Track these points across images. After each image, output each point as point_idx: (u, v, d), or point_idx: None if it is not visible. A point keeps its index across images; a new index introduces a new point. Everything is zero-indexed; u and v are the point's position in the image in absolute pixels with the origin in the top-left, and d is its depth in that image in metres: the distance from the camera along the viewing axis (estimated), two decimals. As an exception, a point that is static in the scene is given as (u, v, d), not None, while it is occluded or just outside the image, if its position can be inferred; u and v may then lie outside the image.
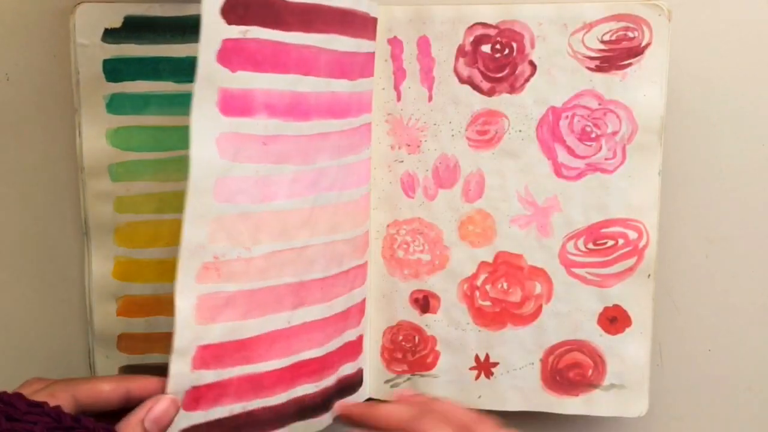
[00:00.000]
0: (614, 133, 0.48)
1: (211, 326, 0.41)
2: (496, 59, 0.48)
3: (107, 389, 0.39)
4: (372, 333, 0.52)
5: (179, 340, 0.40)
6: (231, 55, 0.39)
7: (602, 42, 0.48)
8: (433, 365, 0.51)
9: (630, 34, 0.47)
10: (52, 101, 0.51)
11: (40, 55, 0.50)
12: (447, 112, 0.49)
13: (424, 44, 0.49)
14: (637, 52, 0.48)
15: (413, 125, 0.50)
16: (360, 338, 0.51)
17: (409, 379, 0.52)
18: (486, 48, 0.48)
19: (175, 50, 0.48)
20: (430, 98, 0.49)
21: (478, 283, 0.50)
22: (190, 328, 0.40)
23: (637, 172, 0.49)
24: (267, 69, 0.41)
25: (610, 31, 0.48)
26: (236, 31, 0.39)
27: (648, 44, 0.47)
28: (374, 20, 0.48)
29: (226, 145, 0.40)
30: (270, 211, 0.43)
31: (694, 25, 0.50)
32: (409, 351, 0.52)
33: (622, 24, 0.47)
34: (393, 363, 0.52)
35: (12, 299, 0.53)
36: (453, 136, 0.49)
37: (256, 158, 0.41)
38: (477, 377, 0.51)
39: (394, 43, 0.49)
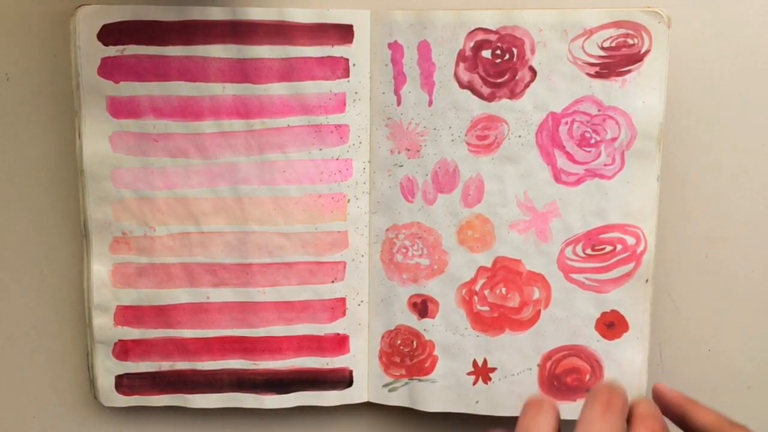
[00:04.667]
0: (613, 139, 0.48)
1: (127, 290, 0.50)
2: (497, 64, 0.49)
3: None
4: (370, 337, 0.52)
5: (98, 297, 0.50)
6: (112, 69, 0.48)
7: (602, 48, 0.48)
8: (431, 370, 0.51)
9: (630, 41, 0.48)
10: (52, 102, 0.51)
11: (40, 56, 0.50)
12: (447, 117, 0.49)
13: (424, 49, 0.49)
14: (636, 58, 0.48)
15: (413, 130, 0.50)
16: (337, 337, 0.51)
17: (407, 383, 0.52)
18: (486, 53, 0.48)
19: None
20: (430, 103, 0.49)
21: (477, 288, 0.50)
22: (108, 289, 0.50)
23: (636, 178, 0.49)
24: (150, 78, 0.49)
25: (610, 37, 0.48)
26: (114, 51, 0.48)
27: (647, 51, 0.47)
28: (316, 26, 0.49)
29: (118, 141, 0.49)
30: (173, 197, 0.50)
31: (693, 30, 0.50)
32: (408, 355, 0.52)
33: (622, 31, 0.47)
34: (391, 367, 0.52)
35: (12, 299, 0.53)
36: (453, 141, 0.49)
37: (150, 152, 0.49)
38: (475, 382, 0.51)
39: (395, 47, 0.49)
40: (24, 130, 0.51)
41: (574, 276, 0.50)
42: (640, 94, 0.48)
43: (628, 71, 0.48)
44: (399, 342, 0.52)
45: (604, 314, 0.50)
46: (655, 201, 0.49)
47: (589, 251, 0.49)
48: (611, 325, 0.50)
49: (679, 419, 0.45)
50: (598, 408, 0.39)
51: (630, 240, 0.49)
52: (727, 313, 0.53)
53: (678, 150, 0.51)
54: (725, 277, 0.52)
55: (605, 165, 0.49)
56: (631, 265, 0.49)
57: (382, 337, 0.52)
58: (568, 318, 0.50)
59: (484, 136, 0.49)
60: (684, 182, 0.52)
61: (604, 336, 0.50)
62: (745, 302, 0.52)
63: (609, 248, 0.49)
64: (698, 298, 0.52)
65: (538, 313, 0.50)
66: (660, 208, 0.49)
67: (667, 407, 0.45)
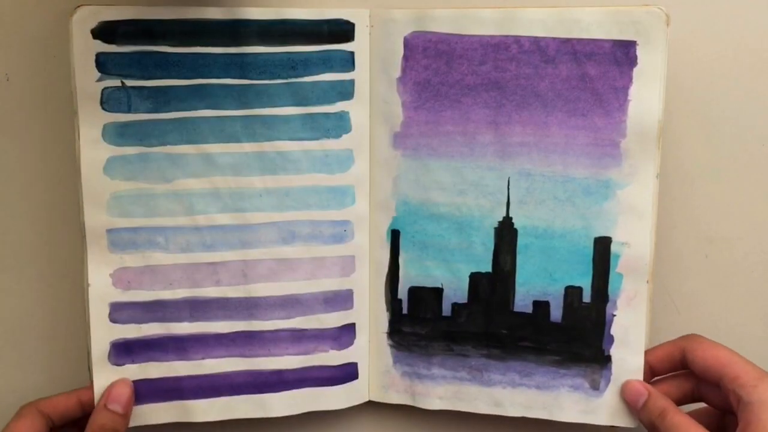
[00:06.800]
0: None
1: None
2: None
3: (63, 399, 0.47)
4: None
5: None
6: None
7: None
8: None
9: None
10: (52, 102, 0.51)
11: (40, 56, 0.51)
12: (442, 116, 0.50)
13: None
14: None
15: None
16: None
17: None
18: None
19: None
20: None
21: None
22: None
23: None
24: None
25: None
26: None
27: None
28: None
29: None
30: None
31: (692, 27, 0.50)
32: (409, 353, 0.52)
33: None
34: (393, 365, 0.52)
35: (12, 299, 0.53)
36: None
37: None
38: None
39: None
40: (24, 130, 0.51)
41: None
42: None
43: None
44: (400, 341, 0.52)
45: None
46: (654, 200, 0.48)
47: None
48: None
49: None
50: None
51: None
52: (727, 313, 0.52)
53: (678, 149, 0.51)
54: (725, 277, 0.52)
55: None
56: None
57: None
58: None
59: None
60: (684, 182, 0.51)
61: None
62: (745, 302, 0.52)
63: None
64: (698, 298, 0.52)
65: None
66: (660, 207, 0.49)
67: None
